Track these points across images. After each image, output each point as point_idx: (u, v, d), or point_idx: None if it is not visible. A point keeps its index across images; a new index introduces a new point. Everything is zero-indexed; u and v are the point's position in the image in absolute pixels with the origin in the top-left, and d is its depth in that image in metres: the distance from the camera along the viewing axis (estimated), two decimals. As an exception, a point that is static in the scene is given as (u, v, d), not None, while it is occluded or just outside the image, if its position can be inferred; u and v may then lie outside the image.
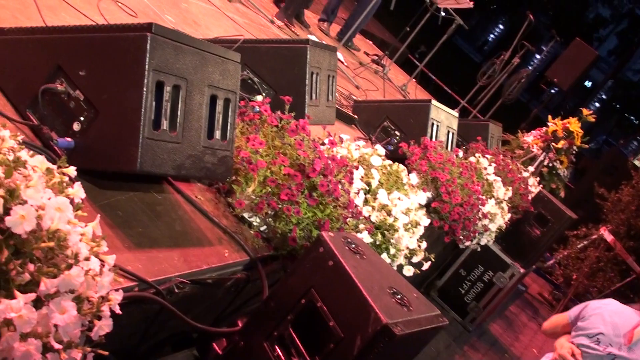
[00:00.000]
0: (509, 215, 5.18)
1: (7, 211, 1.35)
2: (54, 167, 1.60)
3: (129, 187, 2.30)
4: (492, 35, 44.99)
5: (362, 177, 3.21)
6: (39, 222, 1.39)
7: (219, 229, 2.49)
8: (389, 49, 9.63)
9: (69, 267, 1.41)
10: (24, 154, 1.56)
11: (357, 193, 3.06)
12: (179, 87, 2.20)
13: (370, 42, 10.75)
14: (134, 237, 2.10)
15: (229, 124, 2.42)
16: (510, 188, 5.10)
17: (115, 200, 2.18)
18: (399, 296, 2.09)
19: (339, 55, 6.63)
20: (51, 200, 1.45)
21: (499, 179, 4.98)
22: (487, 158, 5.04)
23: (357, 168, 3.10)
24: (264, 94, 3.53)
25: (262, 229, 2.63)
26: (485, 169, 4.92)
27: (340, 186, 2.68)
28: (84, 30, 2.24)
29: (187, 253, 2.24)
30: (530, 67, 10.60)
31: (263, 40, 3.89)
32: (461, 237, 4.30)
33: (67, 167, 1.64)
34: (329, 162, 2.67)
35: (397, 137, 4.81)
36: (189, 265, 2.18)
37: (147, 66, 2.06)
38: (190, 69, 2.25)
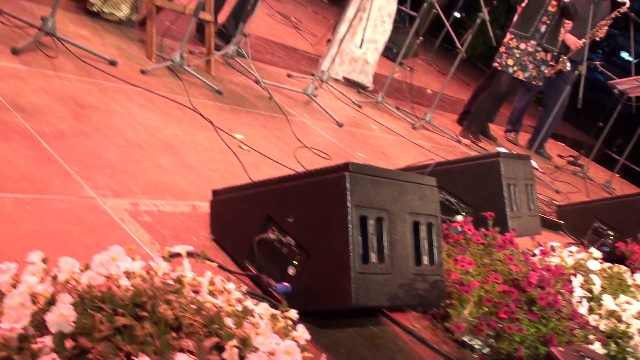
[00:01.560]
0: None
1: (242, 359, 1.41)
2: (277, 312, 1.67)
3: (347, 323, 2.33)
4: (694, 115, 41.85)
5: (582, 284, 3.03)
6: (271, 367, 1.44)
7: (441, 356, 2.43)
8: (583, 148, 9.28)
9: (304, 409, 1.44)
10: (249, 303, 1.66)
11: (580, 302, 2.87)
12: (382, 218, 2.24)
13: (562, 144, 10.43)
14: (359, 373, 2.10)
15: (435, 248, 2.41)
16: None
17: (336, 338, 2.22)
18: (651, 411, 1.89)
19: (533, 162, 6.48)
20: (280, 345, 1.51)
21: None
22: None
23: (574, 275, 2.94)
24: (463, 214, 3.50)
25: (485, 351, 2.53)
26: None
27: (560, 297, 2.54)
28: (286, 180, 2.39)
29: (412, 385, 2.20)
30: None
31: (453, 160, 3.91)
32: None
33: (288, 311, 1.70)
34: (544, 273, 2.56)
35: (611, 237, 4.53)
36: (416, 397, 2.13)
37: (349, 203, 2.14)
38: (390, 200, 2.30)
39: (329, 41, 7.24)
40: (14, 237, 1.97)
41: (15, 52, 3.32)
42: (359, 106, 5.98)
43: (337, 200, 2.16)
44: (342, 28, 6.10)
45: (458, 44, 6.29)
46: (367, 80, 6.72)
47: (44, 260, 1.50)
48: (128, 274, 1.57)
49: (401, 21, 10.26)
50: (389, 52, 9.09)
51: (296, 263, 2.24)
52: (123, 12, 4.67)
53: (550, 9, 6.28)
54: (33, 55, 3.42)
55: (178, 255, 1.79)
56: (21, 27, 3.68)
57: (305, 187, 2.29)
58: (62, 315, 1.37)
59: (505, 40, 6.53)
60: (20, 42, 3.42)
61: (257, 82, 4.93)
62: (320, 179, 2.25)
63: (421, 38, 7.90)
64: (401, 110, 6.60)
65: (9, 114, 2.70)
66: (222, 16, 5.52)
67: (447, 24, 6.27)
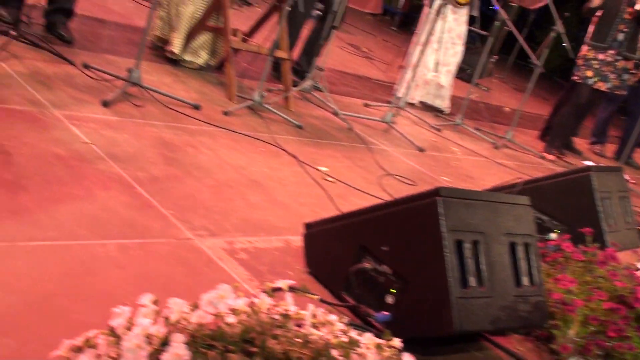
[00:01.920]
0: None
1: (354, 391, 1.42)
2: (382, 341, 1.67)
3: (450, 350, 2.31)
4: None
5: (692, 296, 2.90)
6: (385, 398, 1.43)
7: (548, 379, 2.37)
8: (675, 155, 8.90)
9: None
10: (353, 334, 1.66)
11: (692, 315, 2.75)
12: (477, 241, 2.22)
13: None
14: (466, 400, 2.07)
15: (534, 268, 2.36)
16: None
17: (441, 365, 2.19)
18: None
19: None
20: (390, 374, 1.50)
21: None
22: None
23: (683, 288, 2.81)
24: (557, 231, 3.42)
25: (594, 372, 2.45)
26: None
27: (671, 311, 2.43)
28: (377, 209, 2.39)
29: (522, 409, 2.14)
30: None
31: (542, 177, 3.82)
32: None
33: (392, 340, 1.70)
34: (651, 287, 2.47)
35: None
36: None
37: (443, 228, 2.12)
38: (484, 222, 2.27)
39: (401, 67, 7.26)
40: (122, 282, 2.05)
41: (105, 104, 3.47)
42: (438, 130, 5.95)
43: (431, 226, 2.15)
44: (414, 53, 6.11)
45: (534, 59, 6.20)
46: (444, 104, 6.69)
47: (155, 302, 1.55)
48: (234, 311, 1.60)
49: (471, 41, 10.18)
50: (463, 74, 9.03)
51: (394, 291, 2.24)
52: (202, 58, 4.83)
53: (626, 16, 6.13)
54: (122, 106, 3.56)
55: (279, 289, 1.81)
56: (108, 79, 3.85)
57: (398, 215, 2.29)
58: (177, 355, 1.41)
59: (582, 52, 6.40)
60: (109, 94, 3.57)
61: (335, 114, 4.98)
62: (412, 206, 2.24)
63: (495, 57, 7.81)
64: (481, 130, 6.52)
65: (105, 164, 2.82)
66: (295, 53, 5.62)
67: (521, 40, 6.19)
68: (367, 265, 2.32)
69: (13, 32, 3.73)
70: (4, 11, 4.20)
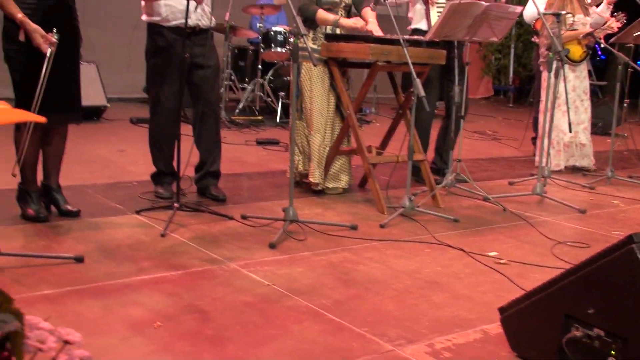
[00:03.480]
0: None
1: None
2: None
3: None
4: None
5: None
6: None
7: None
8: None
9: None
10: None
11: None
12: (688, 279, 2.11)
13: None
14: None
15: None
16: None
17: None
18: None
19: None
20: None
21: None
22: None
23: None
24: None
25: None
26: None
27: None
28: (570, 274, 2.33)
29: None
30: None
31: None
32: None
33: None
34: None
35: None
36: None
37: (649, 274, 2.04)
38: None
39: (533, 139, 7.17)
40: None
41: (272, 246, 3.64)
42: (592, 188, 5.76)
43: (635, 275, 2.07)
44: (545, 121, 6.04)
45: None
46: (590, 162, 6.52)
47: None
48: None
49: (593, 95, 9.92)
50: (595, 128, 8.78)
51: (614, 353, 2.14)
52: (343, 181, 5.00)
53: None
54: (287, 244, 3.72)
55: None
56: (267, 224, 4.05)
57: (595, 274, 2.22)
58: None
59: None
60: (272, 236, 3.75)
61: (485, 199, 4.96)
62: (608, 260, 2.17)
63: (627, 101, 7.61)
64: (635, 177, 6.25)
65: (291, 300, 2.93)
66: (429, 153, 5.70)
67: (650, 77, 6.00)
68: (577, 333, 2.24)
69: (176, 205, 4.03)
70: (161, 189, 4.59)
